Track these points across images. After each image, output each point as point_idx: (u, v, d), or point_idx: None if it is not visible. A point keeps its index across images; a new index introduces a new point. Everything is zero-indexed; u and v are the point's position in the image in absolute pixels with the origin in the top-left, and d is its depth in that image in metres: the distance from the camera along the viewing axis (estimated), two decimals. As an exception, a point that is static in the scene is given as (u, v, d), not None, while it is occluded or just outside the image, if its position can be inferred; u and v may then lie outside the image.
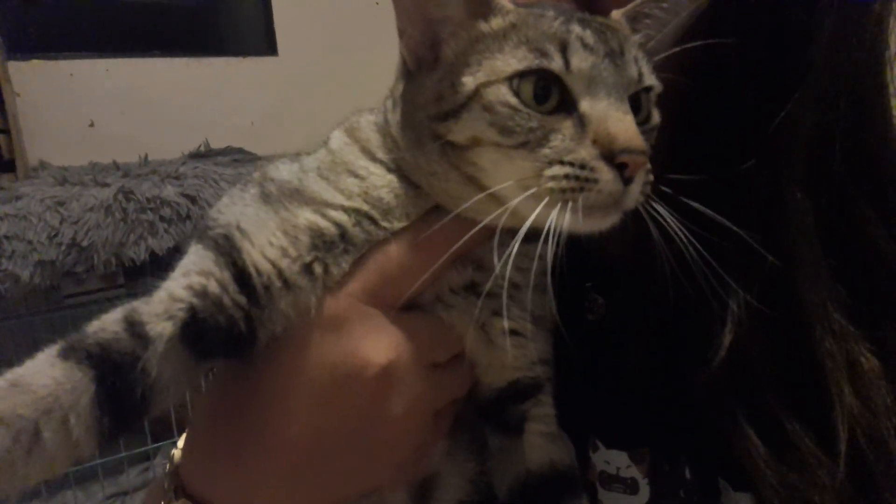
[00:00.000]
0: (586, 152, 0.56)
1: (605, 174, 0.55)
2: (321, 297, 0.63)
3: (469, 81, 0.59)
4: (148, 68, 3.45)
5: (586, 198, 0.55)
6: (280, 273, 0.62)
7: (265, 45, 3.79)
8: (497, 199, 0.59)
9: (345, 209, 0.65)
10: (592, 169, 0.55)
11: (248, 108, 3.64)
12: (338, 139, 0.72)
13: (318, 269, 0.63)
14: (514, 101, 0.57)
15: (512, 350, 0.67)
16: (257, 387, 0.64)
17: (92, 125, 3.27)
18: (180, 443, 0.71)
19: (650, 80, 0.62)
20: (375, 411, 0.63)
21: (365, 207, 0.65)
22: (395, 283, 0.64)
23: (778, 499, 0.65)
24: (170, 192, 2.44)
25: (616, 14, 0.64)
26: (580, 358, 0.72)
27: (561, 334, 0.72)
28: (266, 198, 0.67)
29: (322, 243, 0.63)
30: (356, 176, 0.67)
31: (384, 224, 0.65)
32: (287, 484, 0.64)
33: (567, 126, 0.57)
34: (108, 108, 3.28)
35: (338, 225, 0.64)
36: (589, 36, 0.58)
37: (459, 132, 0.59)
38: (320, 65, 3.73)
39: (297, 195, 0.66)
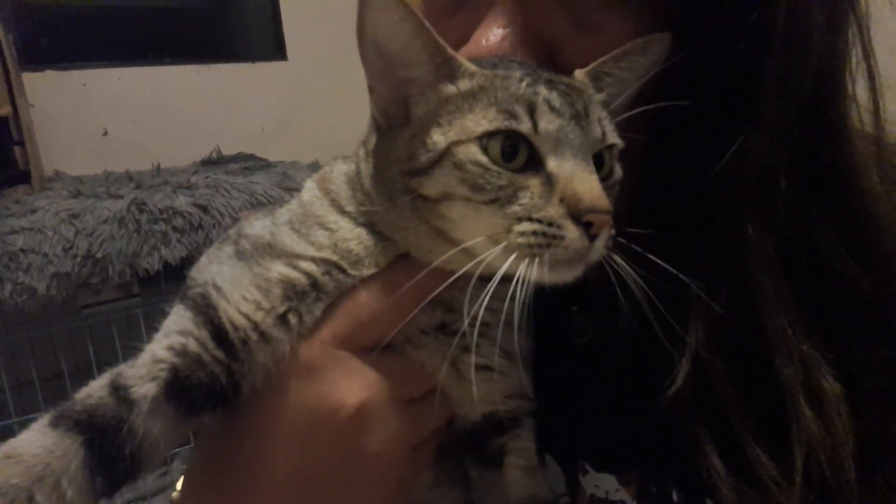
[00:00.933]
0: (554, 210, 0.58)
1: (572, 232, 0.57)
2: (295, 345, 0.65)
3: (440, 140, 0.61)
4: (159, 76, 3.47)
5: (553, 253, 0.58)
6: (256, 326, 0.64)
7: (274, 49, 3.78)
8: (468, 252, 0.61)
9: (314, 260, 0.67)
10: (560, 227, 0.57)
11: (259, 114, 3.64)
12: (310, 191, 0.74)
13: (292, 318, 0.65)
14: (484, 159, 0.59)
15: (482, 385, 0.68)
16: (241, 433, 0.67)
17: (105, 134, 3.29)
18: (179, 484, 0.74)
19: (613, 138, 0.63)
20: (354, 450, 0.66)
21: (334, 258, 0.67)
22: (367, 328, 0.67)
23: None
24: (182, 202, 2.47)
25: (579, 73, 0.66)
26: (569, 381, 0.73)
27: (549, 359, 0.74)
28: (240, 255, 0.70)
29: (294, 293, 0.66)
30: (326, 229, 0.69)
31: (353, 273, 0.67)
32: None
33: (535, 184, 0.59)
34: (121, 117, 3.30)
35: (308, 275, 0.66)
36: (555, 98, 0.60)
37: (431, 187, 0.61)
38: (329, 69, 3.69)
39: (270, 249, 0.69)
